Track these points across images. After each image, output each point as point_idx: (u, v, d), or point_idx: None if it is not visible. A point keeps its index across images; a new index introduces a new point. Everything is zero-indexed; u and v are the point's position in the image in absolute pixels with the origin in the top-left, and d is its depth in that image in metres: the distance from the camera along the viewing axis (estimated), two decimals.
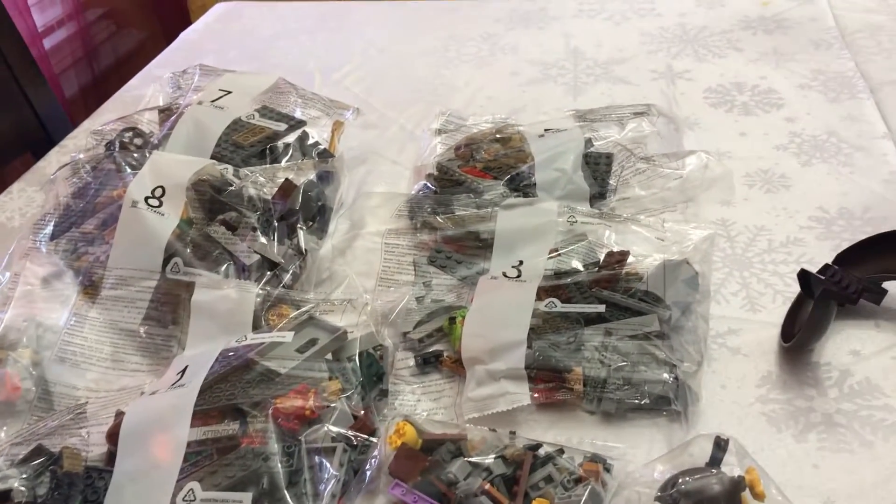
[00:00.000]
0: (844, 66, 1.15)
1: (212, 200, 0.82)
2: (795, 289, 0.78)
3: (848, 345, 0.72)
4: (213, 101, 0.96)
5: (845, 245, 0.82)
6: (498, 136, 0.94)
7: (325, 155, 0.93)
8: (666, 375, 0.65)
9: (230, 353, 0.68)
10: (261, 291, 0.74)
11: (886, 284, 0.70)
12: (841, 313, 0.73)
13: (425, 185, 0.90)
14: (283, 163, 0.89)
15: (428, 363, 0.72)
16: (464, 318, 0.72)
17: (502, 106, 1.13)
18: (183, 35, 1.45)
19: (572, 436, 0.66)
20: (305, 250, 0.81)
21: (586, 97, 1.14)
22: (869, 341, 0.72)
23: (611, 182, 0.89)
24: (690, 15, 1.34)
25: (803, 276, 0.68)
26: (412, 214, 0.86)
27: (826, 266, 0.72)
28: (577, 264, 0.77)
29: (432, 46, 1.31)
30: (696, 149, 0.95)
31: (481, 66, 1.25)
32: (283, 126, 0.94)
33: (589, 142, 0.92)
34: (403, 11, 1.46)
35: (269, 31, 1.42)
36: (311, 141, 0.95)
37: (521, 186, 0.86)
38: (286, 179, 0.84)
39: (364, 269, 0.83)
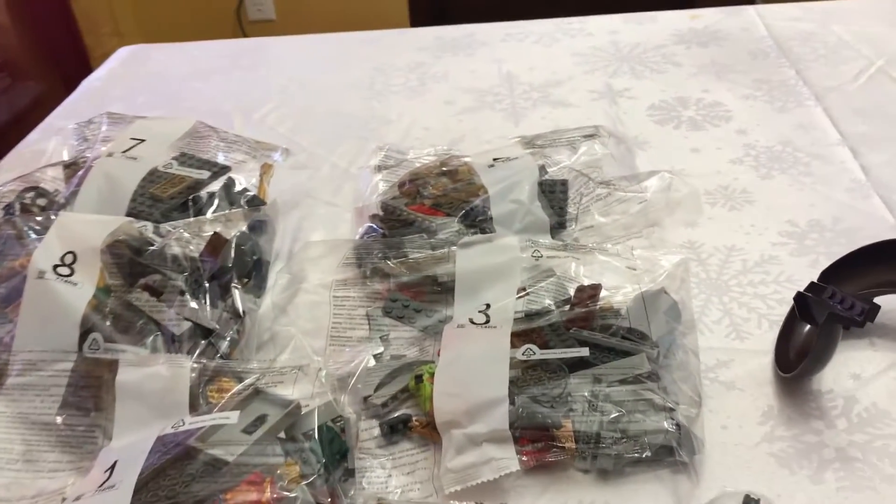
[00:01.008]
0: (786, 75, 1.12)
1: (131, 263, 0.72)
2: (780, 311, 0.73)
3: (847, 368, 0.67)
4: (124, 151, 0.86)
5: (821, 260, 0.78)
6: (444, 168, 0.87)
7: (256, 202, 0.84)
8: (666, 423, 0.58)
9: (167, 441, 0.58)
10: (196, 364, 0.64)
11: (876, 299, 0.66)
12: None
13: (371, 227, 0.82)
14: (210, 214, 0.80)
15: (395, 431, 0.63)
16: (432, 375, 0.64)
17: (440, 137, 1.06)
18: (85, 83, 1.34)
19: (568, 499, 0.58)
20: (243, 312, 0.71)
21: (528, 122, 1.08)
22: (867, 363, 0.67)
23: (570, 210, 0.83)
24: (622, 32, 1.30)
25: (801, 299, 0.62)
26: (360, 261, 0.78)
27: (816, 285, 0.67)
28: (548, 303, 0.70)
29: (358, 79, 1.24)
30: (653, 169, 0.90)
31: (413, 97, 1.18)
32: (205, 173, 0.84)
33: (542, 169, 0.86)
34: (322, 45, 1.38)
35: (179, 72, 1.32)
36: (238, 188, 0.86)
37: (477, 222, 0.79)
38: (214, 233, 0.75)
39: (311, 328, 0.74)
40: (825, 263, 0.73)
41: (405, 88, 1.20)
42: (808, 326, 0.67)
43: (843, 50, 1.18)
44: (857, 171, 0.91)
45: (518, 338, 0.66)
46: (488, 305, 0.70)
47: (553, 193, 0.84)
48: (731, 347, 0.70)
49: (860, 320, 0.58)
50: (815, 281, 0.69)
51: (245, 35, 2.72)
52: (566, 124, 1.04)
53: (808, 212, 0.85)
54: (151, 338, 0.67)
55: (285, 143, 1.00)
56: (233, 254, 0.74)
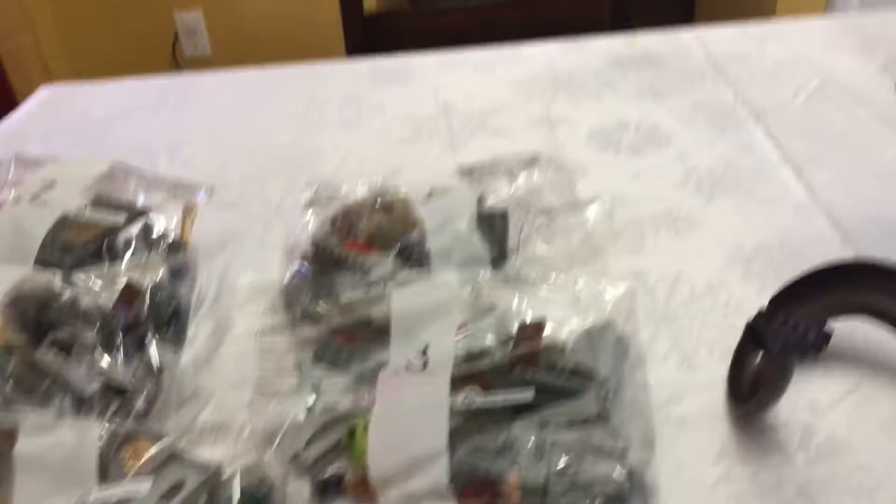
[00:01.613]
0: (724, 97, 1.11)
1: (37, 318, 0.67)
2: (731, 340, 0.69)
3: (802, 396, 0.64)
4: (33, 196, 0.80)
5: (770, 284, 0.75)
6: (379, 202, 0.83)
7: (176, 246, 0.79)
8: (618, 470, 0.54)
9: None
10: (106, 427, 0.59)
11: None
12: None
13: (300, 267, 0.77)
14: (125, 262, 0.74)
15: (328, 490, 0.58)
16: (366, 427, 0.59)
17: (376, 169, 1.02)
18: (2, 125, 1.27)
19: None
20: (160, 366, 0.66)
21: (466, 152, 1.05)
22: (822, 390, 0.64)
23: (511, 241, 0.80)
24: (558, 59, 1.28)
25: (752, 328, 0.59)
26: (289, 305, 0.73)
27: (766, 312, 0.64)
28: (490, 342, 0.66)
29: (290, 112, 1.19)
30: (593, 195, 0.87)
31: (348, 129, 1.14)
32: (122, 218, 0.79)
33: (481, 199, 0.82)
34: (255, 79, 1.33)
35: (103, 112, 1.26)
36: (157, 232, 0.80)
37: (414, 258, 0.75)
38: (128, 282, 0.69)
39: (236, 380, 0.69)
40: (774, 287, 0.70)
41: (340, 121, 1.16)
42: (761, 356, 0.64)
43: (780, 70, 1.17)
44: (801, 191, 0.89)
45: (459, 381, 0.62)
46: (427, 347, 0.66)
47: (493, 224, 0.80)
48: (681, 381, 0.67)
49: (815, 350, 0.55)
50: (765, 307, 0.66)
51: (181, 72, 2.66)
52: (505, 153, 1.00)
53: (754, 235, 0.83)
54: (58, 400, 0.61)
55: (214, 181, 0.94)
56: (148, 303, 0.69)
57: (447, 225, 0.77)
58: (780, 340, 0.54)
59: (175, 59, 2.72)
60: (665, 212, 0.88)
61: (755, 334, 0.59)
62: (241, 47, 2.65)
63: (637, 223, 0.84)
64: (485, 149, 1.05)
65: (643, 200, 0.90)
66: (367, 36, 1.78)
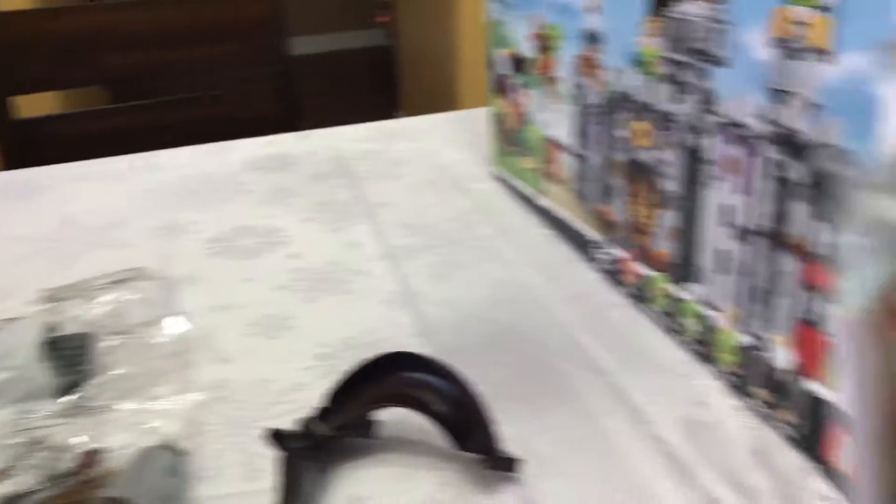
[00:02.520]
0: (344, 195, 1.17)
1: None
2: None
3: (346, 490, 0.67)
4: None
5: None
6: None
7: None
8: None
9: None
10: None
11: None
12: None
13: None
14: None
15: None
16: None
17: None
18: None
19: None
20: None
21: (77, 268, 1.01)
22: (366, 482, 0.68)
23: (85, 367, 0.77)
24: (195, 164, 1.29)
25: (275, 435, 0.61)
26: None
27: (324, 408, 0.67)
28: (35, 481, 0.63)
29: None
30: (191, 305, 0.88)
31: None
32: None
33: (54, 326, 0.79)
34: None
35: None
36: None
37: None
38: None
39: None
40: None
41: None
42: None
43: (399, 167, 1.26)
44: (393, 283, 0.96)
45: None
46: None
47: (64, 351, 0.77)
48: (240, 490, 0.67)
49: (314, 454, 0.57)
50: (325, 404, 0.69)
51: None
52: (117, 266, 0.98)
53: (342, 330, 0.87)
54: None
55: None
56: None
57: (5, 359, 0.74)
58: (286, 448, 0.57)
59: None
60: (264, 315, 0.90)
61: (277, 436, 0.61)
62: None
63: (233, 330, 0.85)
64: (98, 263, 1.02)
65: (245, 305, 0.91)
66: (22, 143, 1.70)
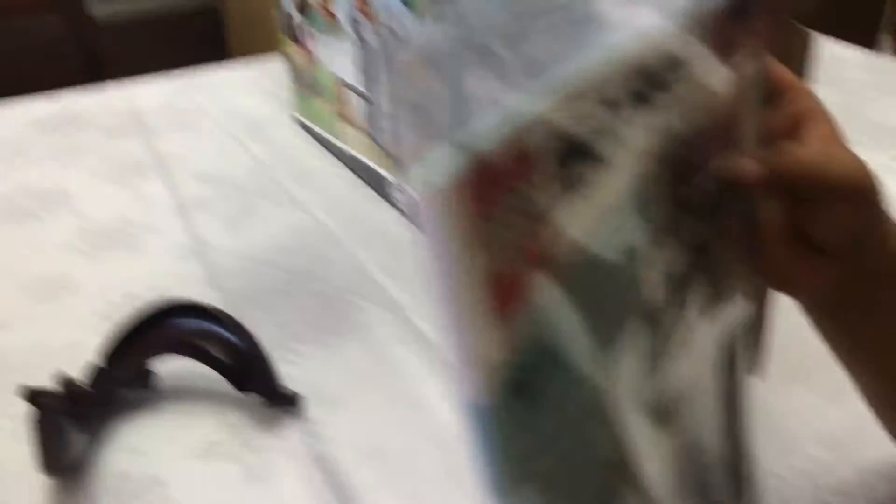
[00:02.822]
0: (139, 150, 1.12)
1: None
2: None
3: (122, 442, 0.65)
4: None
5: None
6: None
7: None
8: None
9: None
10: None
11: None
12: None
13: None
14: None
15: None
16: None
17: None
18: None
19: None
20: None
21: None
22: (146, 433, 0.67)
23: None
24: None
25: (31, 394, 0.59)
26: None
27: (99, 367, 0.65)
28: None
29: None
30: None
31: None
32: None
33: None
34: None
35: None
36: None
37: None
38: None
39: None
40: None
41: None
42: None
43: (199, 119, 1.22)
44: (184, 235, 0.93)
45: None
46: None
47: None
48: (10, 455, 0.64)
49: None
50: (100, 359, 0.67)
51: None
52: None
53: (128, 286, 0.84)
54: None
55: None
56: None
57: None
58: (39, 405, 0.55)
59: None
60: (41, 279, 0.86)
61: (32, 395, 0.59)
62: None
63: (10, 294, 0.81)
64: None
65: (25, 269, 0.87)
66: None
